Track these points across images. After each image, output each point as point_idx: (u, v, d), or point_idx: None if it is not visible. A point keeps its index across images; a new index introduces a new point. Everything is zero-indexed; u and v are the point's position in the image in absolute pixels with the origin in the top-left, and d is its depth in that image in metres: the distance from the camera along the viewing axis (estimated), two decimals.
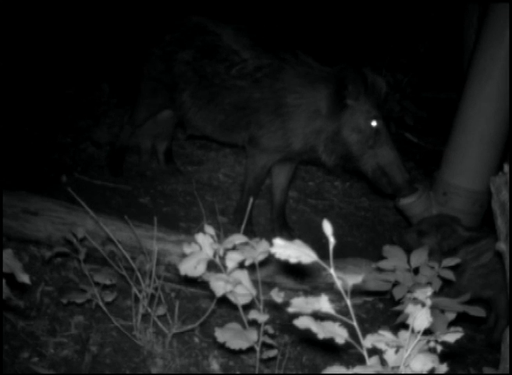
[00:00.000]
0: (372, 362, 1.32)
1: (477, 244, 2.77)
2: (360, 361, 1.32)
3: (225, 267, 1.58)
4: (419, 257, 1.91)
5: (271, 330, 1.79)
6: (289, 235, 3.40)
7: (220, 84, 3.20)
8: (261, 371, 2.13)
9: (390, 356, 1.32)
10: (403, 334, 1.32)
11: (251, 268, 1.59)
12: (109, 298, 2.18)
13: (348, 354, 2.37)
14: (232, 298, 1.65)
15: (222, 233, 2.66)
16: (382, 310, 2.83)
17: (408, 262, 1.91)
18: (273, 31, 4.32)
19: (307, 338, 2.27)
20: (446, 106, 4.77)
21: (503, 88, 3.11)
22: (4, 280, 1.51)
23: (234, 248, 1.57)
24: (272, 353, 1.86)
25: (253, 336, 1.67)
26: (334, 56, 4.04)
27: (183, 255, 1.62)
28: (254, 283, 1.65)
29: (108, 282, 2.12)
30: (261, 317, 1.66)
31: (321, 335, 1.25)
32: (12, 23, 4.67)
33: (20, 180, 3.30)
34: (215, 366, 2.21)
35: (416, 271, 1.91)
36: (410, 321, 1.32)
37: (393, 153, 3.03)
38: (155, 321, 2.17)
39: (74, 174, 3.65)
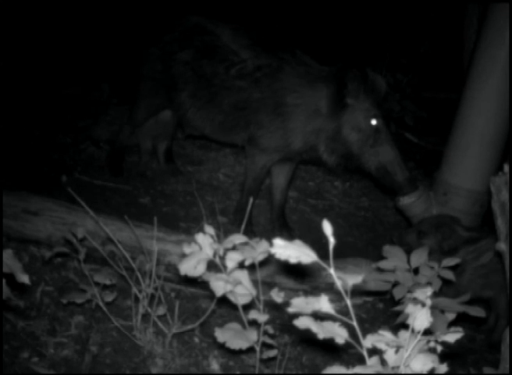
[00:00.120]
0: (372, 362, 1.32)
1: (477, 244, 2.77)
2: (361, 361, 1.32)
3: (225, 267, 1.58)
4: (419, 257, 1.91)
5: (271, 330, 1.79)
6: (289, 235, 3.40)
7: (219, 84, 3.20)
8: (261, 371, 2.13)
9: (390, 356, 1.32)
10: (403, 334, 1.32)
11: (251, 268, 1.59)
12: (109, 298, 2.18)
13: (348, 354, 2.37)
14: (232, 298, 1.65)
15: (222, 233, 2.66)
16: (382, 310, 2.83)
17: (408, 262, 1.90)
18: (272, 31, 4.32)
19: (307, 338, 2.27)
20: (446, 106, 4.76)
21: (503, 88, 3.11)
22: (4, 280, 1.51)
23: (234, 248, 1.57)
24: (272, 353, 1.86)
25: (253, 336, 1.67)
26: (334, 56, 4.04)
27: (183, 255, 1.61)
28: (254, 283, 1.64)
29: (108, 282, 2.12)
30: (261, 317, 1.66)
31: (321, 335, 1.25)
32: (12, 23, 4.67)
33: (20, 180, 3.30)
34: (215, 366, 2.21)
35: (416, 271, 1.91)
36: (410, 321, 1.32)
37: (394, 151, 3.03)
38: (155, 321, 2.17)
39: (74, 174, 3.65)
